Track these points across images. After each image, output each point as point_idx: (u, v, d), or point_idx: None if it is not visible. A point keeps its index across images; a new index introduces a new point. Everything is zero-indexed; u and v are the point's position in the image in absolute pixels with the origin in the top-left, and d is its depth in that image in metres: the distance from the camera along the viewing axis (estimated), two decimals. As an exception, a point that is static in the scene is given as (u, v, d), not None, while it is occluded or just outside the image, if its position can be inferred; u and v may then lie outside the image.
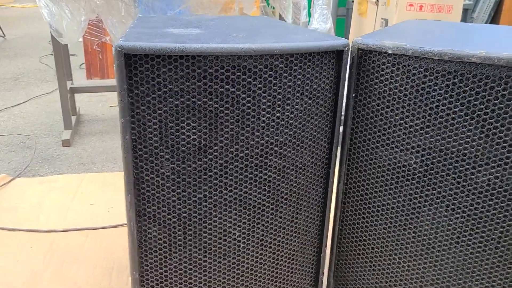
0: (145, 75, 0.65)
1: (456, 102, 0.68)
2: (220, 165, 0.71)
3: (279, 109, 0.71)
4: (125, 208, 0.73)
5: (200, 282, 0.79)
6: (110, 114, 2.22)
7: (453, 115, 0.69)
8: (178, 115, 0.67)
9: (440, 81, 0.68)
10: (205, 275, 0.79)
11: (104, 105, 2.35)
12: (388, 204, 0.79)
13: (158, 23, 0.85)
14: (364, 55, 0.74)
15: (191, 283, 0.79)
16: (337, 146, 0.80)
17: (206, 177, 0.72)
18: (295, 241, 0.83)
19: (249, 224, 0.77)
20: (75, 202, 1.32)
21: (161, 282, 0.79)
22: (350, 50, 0.74)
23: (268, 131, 0.71)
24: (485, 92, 0.66)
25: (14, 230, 1.18)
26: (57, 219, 1.23)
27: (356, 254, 0.86)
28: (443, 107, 0.69)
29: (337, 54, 0.73)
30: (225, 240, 0.77)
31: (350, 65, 0.75)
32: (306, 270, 0.88)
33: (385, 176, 0.77)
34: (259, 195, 0.75)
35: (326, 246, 0.87)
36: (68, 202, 1.32)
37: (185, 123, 0.68)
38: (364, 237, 0.84)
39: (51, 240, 1.14)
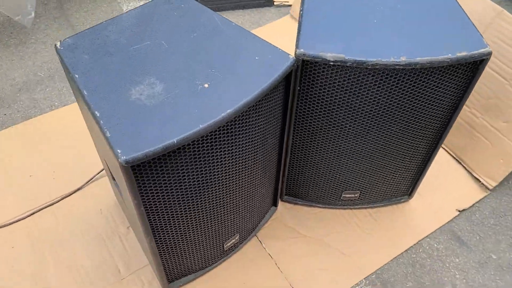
0: (144, 172, 0.73)
1: (380, 92, 0.88)
2: (214, 193, 0.87)
3: (247, 133, 0.83)
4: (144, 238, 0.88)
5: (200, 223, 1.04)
6: None
7: (378, 100, 0.89)
8: (177, 187, 0.81)
9: (371, 79, 0.85)
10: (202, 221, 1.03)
11: None
12: (324, 148, 1.03)
13: (118, 71, 0.81)
14: (309, 64, 0.85)
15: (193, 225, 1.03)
16: (290, 128, 0.97)
17: (203, 204, 0.88)
18: (264, 181, 1.07)
19: (232, 194, 0.98)
20: (14, 178, 1.31)
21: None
22: (296, 61, 0.83)
23: (243, 146, 0.85)
24: (404, 85, 0.86)
25: (-24, 233, 1.20)
26: (11, 205, 1.25)
27: (301, 175, 1.14)
28: (371, 96, 0.88)
29: (287, 75, 0.83)
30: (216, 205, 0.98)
31: (295, 70, 0.85)
32: (270, 188, 1.15)
33: (326, 132, 0.99)
34: (240, 177, 0.93)
35: (283, 174, 1.13)
36: (8, 180, 1.31)
37: (183, 188, 0.80)
38: (308, 165, 1.11)
39: (23, 229, 1.20)
